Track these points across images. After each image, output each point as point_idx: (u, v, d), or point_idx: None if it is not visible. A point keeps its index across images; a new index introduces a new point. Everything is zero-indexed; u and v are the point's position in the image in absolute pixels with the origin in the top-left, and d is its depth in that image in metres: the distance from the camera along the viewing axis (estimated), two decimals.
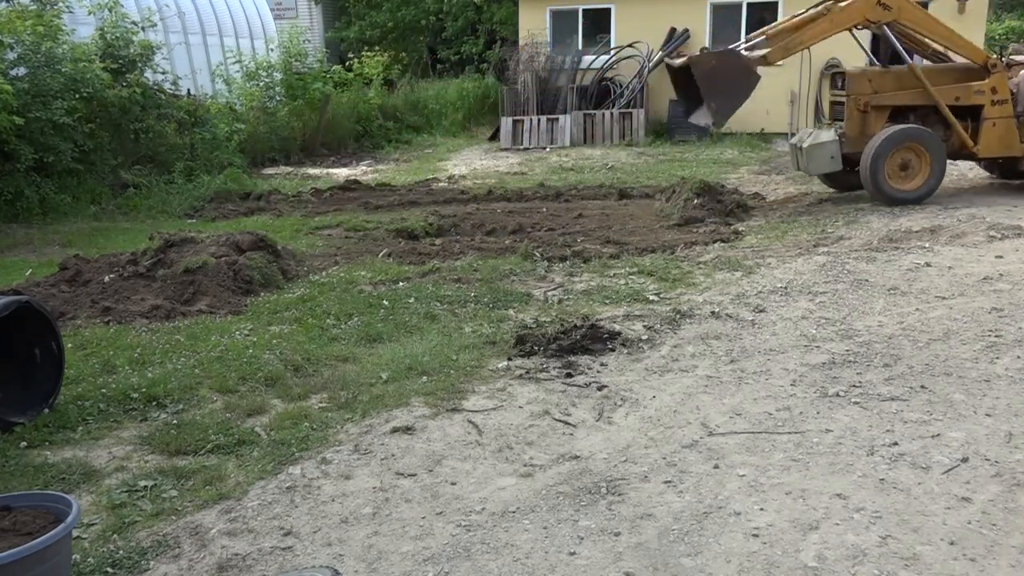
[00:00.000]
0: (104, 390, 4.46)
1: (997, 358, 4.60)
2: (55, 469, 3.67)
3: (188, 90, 13.10)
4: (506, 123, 16.04)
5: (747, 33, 16.05)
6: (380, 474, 3.58)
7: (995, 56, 9.09)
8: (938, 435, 3.74)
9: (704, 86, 8.58)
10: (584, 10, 16.82)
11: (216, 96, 14.76)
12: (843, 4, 8.73)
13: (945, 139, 8.95)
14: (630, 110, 15.66)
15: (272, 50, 16.25)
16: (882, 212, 8.51)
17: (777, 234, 7.87)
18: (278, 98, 15.45)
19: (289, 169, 13.89)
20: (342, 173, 13.52)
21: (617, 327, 5.25)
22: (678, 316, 5.49)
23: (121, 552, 3.05)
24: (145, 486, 3.52)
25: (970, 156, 9.25)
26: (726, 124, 8.53)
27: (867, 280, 6.14)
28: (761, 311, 5.57)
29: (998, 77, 8.83)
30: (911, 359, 4.63)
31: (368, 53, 18.06)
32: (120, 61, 11.44)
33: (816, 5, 9.06)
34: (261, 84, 15.30)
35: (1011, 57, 9.43)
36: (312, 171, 13.80)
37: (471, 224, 8.79)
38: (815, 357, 4.73)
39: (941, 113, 8.89)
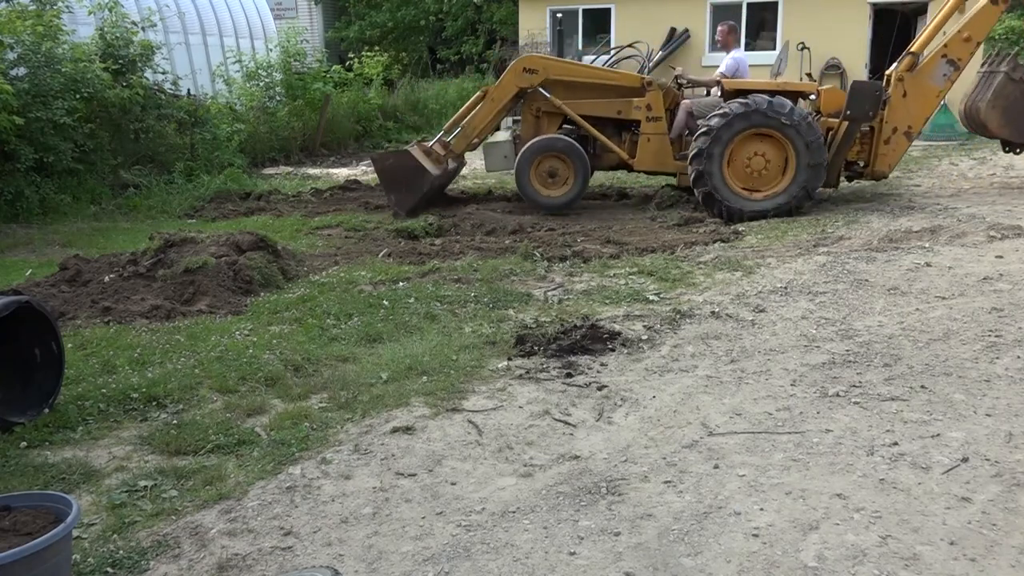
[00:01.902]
0: (104, 390, 4.46)
1: (997, 358, 4.60)
2: (55, 469, 3.66)
3: (188, 90, 13.10)
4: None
5: (747, 34, 16.12)
6: (380, 474, 3.58)
7: (649, 77, 9.69)
8: (938, 435, 3.74)
9: (384, 181, 9.50)
10: (584, 10, 16.82)
11: (216, 96, 14.75)
12: (495, 85, 9.59)
13: (610, 151, 9.49)
14: None
15: (272, 50, 16.25)
16: (882, 212, 8.51)
17: (777, 234, 7.87)
18: (278, 98, 15.46)
19: (289, 169, 13.89)
20: (342, 173, 13.52)
21: (617, 327, 5.25)
22: (678, 316, 5.49)
23: (121, 552, 3.05)
24: (145, 486, 3.51)
25: (627, 167, 9.71)
26: (405, 214, 9.24)
27: (867, 280, 6.14)
28: (761, 311, 5.57)
29: (653, 95, 9.28)
30: (911, 359, 4.63)
31: (368, 53, 18.07)
32: (120, 61, 11.44)
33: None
34: (261, 84, 15.31)
35: (688, 78, 9.93)
36: (312, 171, 13.80)
37: (471, 224, 8.79)
38: (815, 357, 4.73)
39: (610, 125, 9.51)
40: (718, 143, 8.45)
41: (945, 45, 8.75)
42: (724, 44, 9.85)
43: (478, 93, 9.72)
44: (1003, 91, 8.98)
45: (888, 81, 8.96)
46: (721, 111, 8.49)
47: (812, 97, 9.23)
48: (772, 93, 8.65)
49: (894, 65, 9.06)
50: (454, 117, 10.00)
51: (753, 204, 8.57)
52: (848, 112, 8.55)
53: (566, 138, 9.35)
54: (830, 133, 8.91)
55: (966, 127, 10.04)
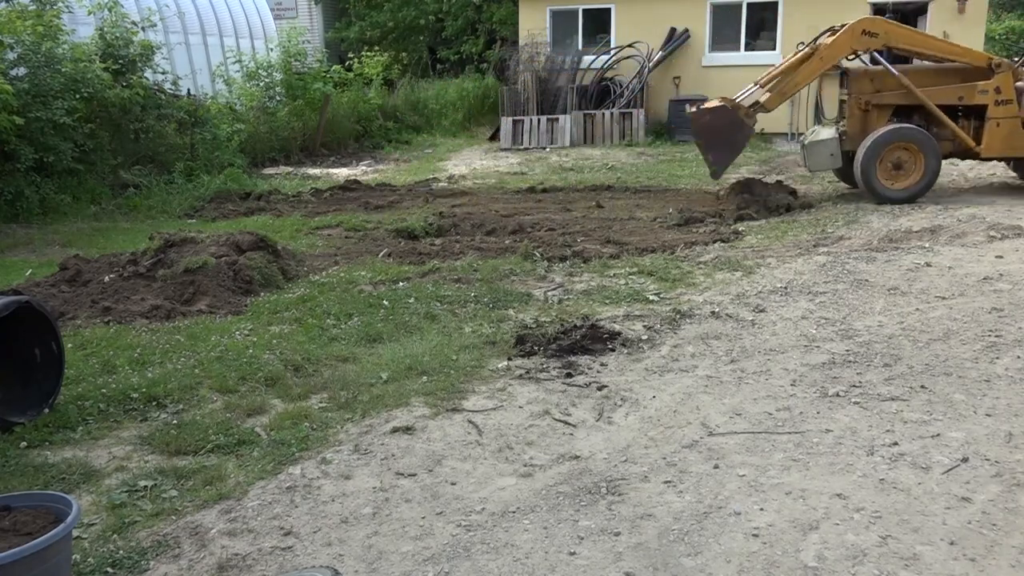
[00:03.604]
0: (104, 390, 4.46)
1: (997, 358, 4.60)
2: (55, 469, 3.66)
3: (188, 90, 13.09)
4: (506, 123, 16.04)
5: (747, 34, 16.11)
6: (380, 474, 3.58)
7: (998, 58, 9.11)
8: (938, 435, 3.74)
9: (701, 140, 9.09)
10: (584, 10, 16.82)
11: (216, 96, 14.75)
12: (830, 41, 8.87)
13: (951, 138, 8.98)
14: (630, 110, 15.66)
15: (272, 50, 16.25)
16: (882, 212, 8.51)
17: (777, 234, 7.87)
18: (278, 98, 15.46)
19: (289, 169, 13.89)
20: (342, 173, 13.52)
21: (617, 327, 5.25)
22: (678, 316, 5.49)
23: (121, 552, 3.05)
24: (145, 486, 3.51)
25: (975, 156, 9.25)
26: (721, 173, 8.93)
27: (867, 280, 6.14)
28: (761, 311, 5.57)
29: (1002, 77, 8.83)
30: (911, 359, 4.62)
31: (368, 53, 18.07)
32: (120, 61, 11.44)
33: (804, 45, 9.20)
34: (261, 84, 15.31)
35: None
36: (312, 171, 13.80)
37: (471, 224, 8.79)
38: (815, 357, 4.73)
39: (946, 111, 8.90)
40: None
41: None
42: None
43: (804, 50, 9.04)
44: None
45: None
46: None
47: None
48: None
49: None
50: (773, 71, 9.32)
51: None
52: None
53: (916, 127, 8.85)
54: None
55: None
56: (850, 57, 9.05)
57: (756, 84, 9.39)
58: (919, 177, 8.78)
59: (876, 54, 9.22)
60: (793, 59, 9.19)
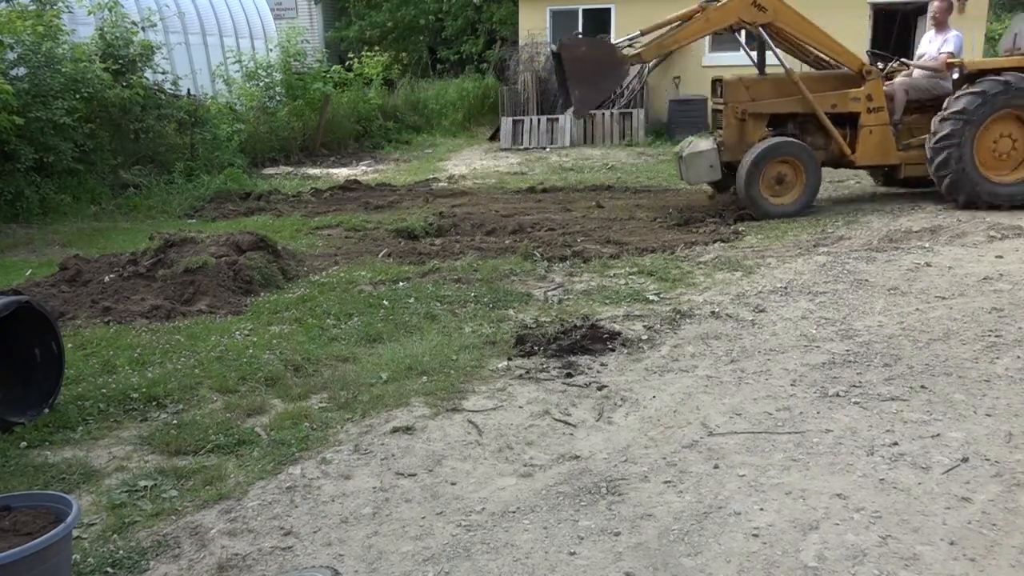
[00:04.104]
0: (104, 390, 4.46)
1: (997, 358, 4.60)
2: (55, 469, 3.67)
3: (188, 90, 13.10)
4: (506, 123, 16.05)
5: (747, 35, 16.10)
6: (380, 474, 3.58)
7: (869, 65, 8.89)
8: (938, 435, 3.74)
9: (571, 73, 8.40)
10: (584, 10, 16.83)
11: (216, 96, 14.76)
12: (719, 4, 8.59)
13: (824, 147, 8.84)
14: (630, 110, 15.67)
15: (272, 50, 16.26)
16: (882, 212, 8.51)
17: (777, 234, 7.87)
18: (278, 98, 15.47)
19: (289, 169, 13.90)
20: (342, 173, 13.52)
21: (617, 327, 5.25)
22: (678, 316, 5.49)
23: (121, 552, 3.05)
24: (145, 486, 3.52)
25: (849, 164, 9.08)
26: (584, 115, 8.32)
27: (867, 280, 6.14)
28: (761, 311, 5.57)
29: (873, 84, 8.68)
30: (911, 359, 4.62)
31: (368, 53, 18.07)
32: (120, 61, 11.45)
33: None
34: (261, 84, 15.32)
35: (891, 65, 9.33)
36: (312, 171, 13.81)
37: (471, 224, 8.79)
38: (815, 357, 4.73)
39: (820, 121, 8.75)
40: (971, 125, 8.04)
41: None
42: (941, 23, 8.89)
43: (694, 7, 8.70)
44: None
45: None
46: (974, 90, 8.09)
47: None
48: (1018, 70, 8.22)
49: None
50: (657, 22, 8.93)
51: (1003, 189, 8.24)
52: None
53: (796, 141, 8.63)
54: None
55: None
56: (734, 27, 8.76)
57: (640, 32, 8.99)
58: (801, 191, 8.58)
59: (773, 51, 8.91)
60: (679, 13, 8.87)
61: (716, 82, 9.04)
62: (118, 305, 5.86)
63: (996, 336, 4.92)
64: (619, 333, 5.14)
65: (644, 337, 5.14)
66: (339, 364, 4.86)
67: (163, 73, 12.50)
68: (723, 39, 15.91)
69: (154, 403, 4.34)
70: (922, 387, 4.25)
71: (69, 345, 4.93)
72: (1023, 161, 8.36)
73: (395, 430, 3.98)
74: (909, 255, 6.77)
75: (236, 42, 16.81)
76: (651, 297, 5.98)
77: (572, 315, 5.55)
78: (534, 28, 16.93)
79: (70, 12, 11.66)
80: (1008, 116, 8.27)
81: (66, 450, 3.88)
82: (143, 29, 12.54)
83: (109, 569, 2.96)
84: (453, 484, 3.48)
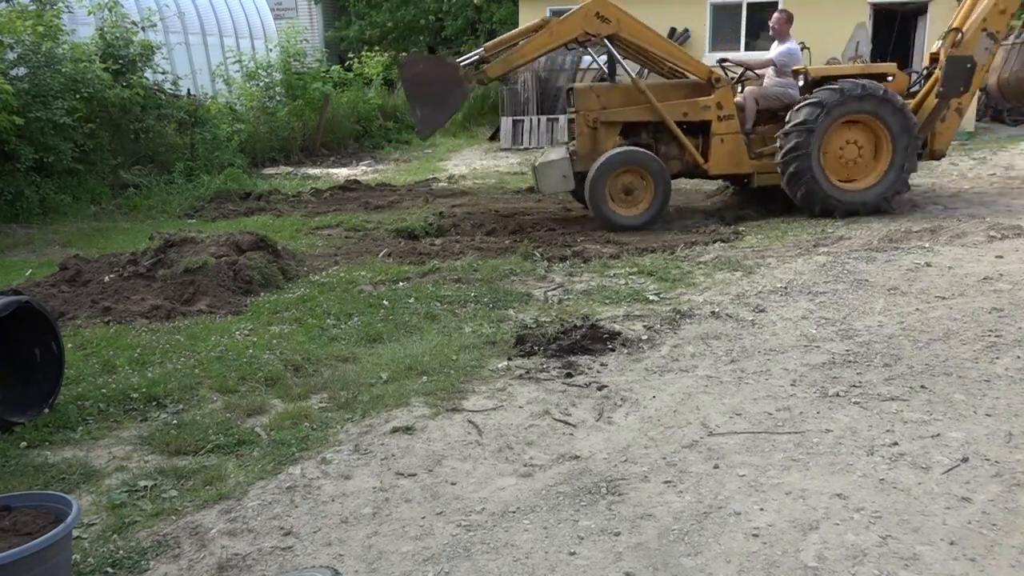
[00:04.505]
0: (104, 390, 4.46)
1: (997, 358, 4.60)
2: (55, 469, 3.66)
3: (188, 90, 13.10)
4: (506, 123, 16.04)
5: (747, 34, 16.11)
6: (380, 474, 3.58)
7: (717, 72, 8.82)
8: (938, 435, 3.74)
9: (410, 91, 8.26)
10: None
11: (216, 96, 14.77)
12: (563, 17, 8.49)
13: (679, 156, 8.72)
14: None
15: (272, 50, 16.26)
16: (882, 212, 8.51)
17: (777, 234, 7.87)
18: (278, 98, 15.47)
19: (289, 169, 13.90)
20: (342, 173, 13.52)
21: (617, 327, 5.25)
22: (678, 316, 5.49)
23: (121, 552, 3.05)
24: (145, 486, 3.51)
25: (703, 174, 8.98)
26: (431, 136, 8.12)
27: (867, 280, 6.14)
28: (761, 311, 5.57)
29: (722, 92, 8.59)
30: (911, 359, 4.62)
31: (368, 53, 18.07)
32: (120, 61, 11.45)
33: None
34: (261, 84, 15.32)
35: (738, 62, 9.28)
36: (312, 171, 13.81)
37: (471, 224, 8.79)
38: (815, 357, 4.73)
39: (671, 130, 8.66)
40: (815, 134, 8.04)
41: (984, 19, 8.53)
42: (780, 33, 8.98)
43: (538, 21, 8.61)
44: None
45: (933, 60, 8.80)
46: (813, 99, 8.10)
47: (890, 78, 8.71)
48: (857, 77, 8.30)
49: (937, 42, 8.88)
50: (501, 38, 8.78)
51: (853, 196, 8.24)
52: (943, 89, 8.32)
53: (647, 152, 8.48)
54: None
55: (1003, 99, 9.87)
56: (579, 40, 8.55)
57: (484, 48, 8.81)
58: (650, 203, 8.35)
59: (622, 67, 8.88)
60: (524, 27, 8.76)
61: (569, 91, 8.86)
62: (118, 305, 5.86)
63: (996, 336, 4.92)
64: (619, 333, 5.14)
65: (644, 337, 5.14)
66: (339, 364, 4.86)
67: (163, 73, 12.50)
68: (722, 37, 15.94)
69: (154, 403, 4.34)
70: (922, 387, 4.25)
71: (69, 345, 4.93)
72: (871, 168, 8.33)
73: (395, 430, 3.98)
74: (909, 255, 6.77)
75: (236, 42, 16.82)
76: (651, 297, 5.98)
77: (572, 315, 5.55)
78: None
79: (70, 12, 11.66)
80: (852, 123, 8.22)
81: (66, 450, 3.88)
82: (143, 29, 12.54)
83: (109, 569, 2.96)
84: (453, 484, 3.48)
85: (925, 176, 10.75)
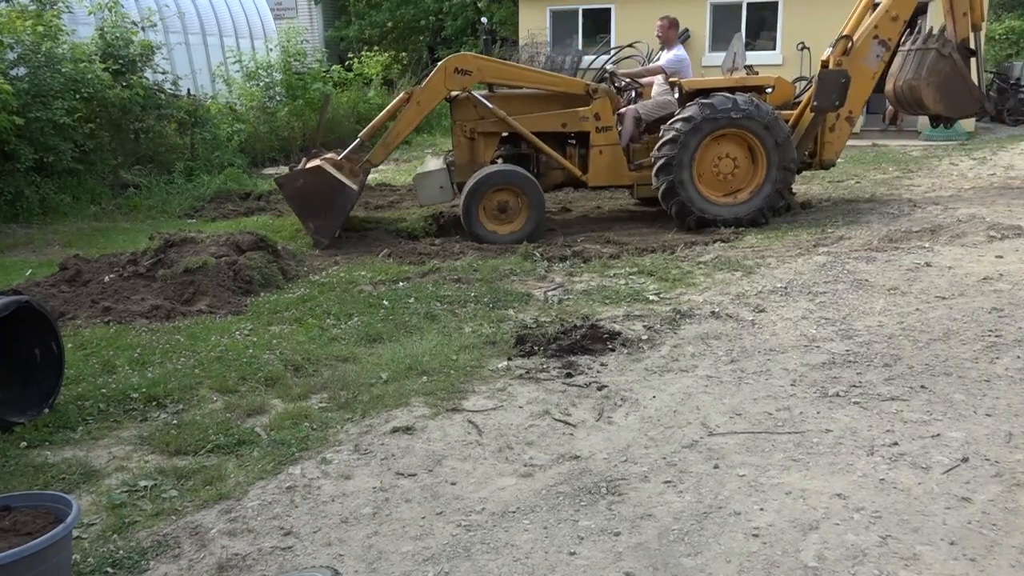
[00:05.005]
0: (104, 390, 4.46)
1: (997, 358, 4.60)
2: (55, 469, 3.67)
3: (188, 90, 13.10)
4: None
5: (747, 34, 16.10)
6: (380, 474, 3.58)
7: (594, 84, 8.71)
8: (938, 435, 3.74)
9: (297, 209, 8.09)
10: (584, 10, 16.84)
11: (216, 96, 14.76)
12: (422, 85, 8.34)
13: (560, 167, 8.58)
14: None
15: (272, 50, 16.26)
16: (882, 212, 8.51)
17: (777, 234, 7.87)
18: (278, 98, 15.46)
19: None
20: None
21: (617, 327, 5.25)
22: (678, 316, 5.49)
23: (121, 552, 3.05)
24: (145, 486, 3.52)
25: (583, 184, 8.77)
26: (328, 242, 7.87)
27: (867, 280, 6.14)
28: (761, 311, 5.57)
29: (600, 103, 8.45)
30: (911, 359, 4.62)
31: (368, 53, 18.07)
32: (120, 61, 11.45)
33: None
34: (261, 84, 15.31)
35: (625, 73, 9.23)
36: None
37: None
38: (815, 357, 4.73)
39: (550, 140, 8.47)
40: (686, 149, 7.92)
41: (876, 26, 8.47)
42: (666, 40, 8.87)
43: (401, 95, 8.51)
44: (935, 67, 8.81)
45: (824, 67, 8.64)
46: (684, 115, 7.97)
47: (769, 90, 8.64)
48: (732, 90, 8.16)
49: (827, 50, 8.74)
50: (372, 123, 8.69)
51: (728, 210, 8.14)
52: (816, 103, 8.29)
53: (520, 169, 8.27)
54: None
55: (896, 106, 9.79)
56: (448, 99, 8.46)
57: (360, 139, 8.74)
58: (524, 220, 8.09)
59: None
60: (389, 109, 8.70)
61: (450, 100, 8.66)
62: (118, 305, 5.86)
63: (996, 336, 4.92)
64: (619, 333, 5.14)
65: (644, 337, 5.14)
66: (339, 364, 4.86)
67: (163, 73, 12.49)
68: (722, 37, 15.94)
69: (154, 403, 4.34)
70: (922, 387, 4.25)
71: (69, 345, 4.93)
72: (747, 181, 8.22)
73: (395, 430, 3.98)
74: (909, 255, 6.77)
75: (236, 42, 16.81)
76: (651, 297, 5.98)
77: (572, 315, 5.55)
78: (534, 28, 16.93)
79: (70, 12, 11.66)
80: (727, 137, 8.10)
81: (66, 450, 3.88)
82: (143, 29, 12.54)
83: (109, 569, 2.96)
84: (453, 484, 3.48)
85: (925, 176, 10.75)
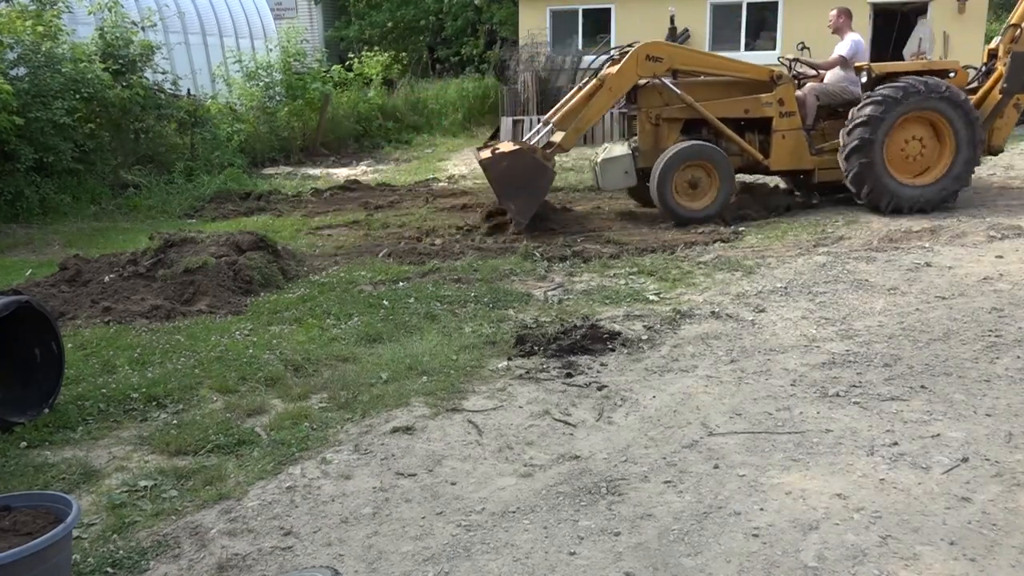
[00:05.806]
0: (104, 390, 4.46)
1: (997, 358, 4.60)
2: (55, 469, 3.67)
3: (188, 90, 13.10)
4: (506, 123, 16.04)
5: (747, 34, 16.12)
6: (380, 474, 3.58)
7: (778, 70, 8.83)
8: (938, 435, 3.74)
9: (499, 188, 8.29)
10: (584, 10, 16.84)
11: (216, 96, 14.77)
12: (614, 70, 8.45)
13: (739, 152, 8.72)
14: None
15: (272, 50, 16.27)
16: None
17: (777, 234, 7.87)
18: (278, 98, 15.47)
19: (289, 169, 13.90)
20: (342, 173, 13.52)
21: (617, 327, 5.25)
22: (678, 316, 5.49)
23: (121, 552, 3.05)
24: (145, 486, 3.51)
25: (764, 170, 9.00)
26: (527, 223, 8.07)
27: (867, 280, 6.14)
28: (761, 311, 5.57)
29: (784, 88, 8.62)
30: (911, 359, 4.62)
31: (368, 53, 18.07)
32: (120, 61, 11.45)
33: (589, 80, 8.76)
34: (261, 84, 15.32)
35: (805, 61, 9.22)
36: (312, 171, 13.80)
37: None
38: (815, 357, 4.73)
39: (732, 125, 8.64)
40: (878, 132, 8.07)
41: None
42: (837, 28, 8.95)
43: (593, 83, 8.60)
44: None
45: (992, 56, 8.82)
46: (876, 97, 8.13)
47: (952, 75, 8.67)
48: (919, 73, 8.36)
49: (996, 39, 8.90)
50: (564, 109, 8.75)
51: (919, 192, 8.25)
52: (1006, 85, 8.41)
53: (711, 144, 8.51)
54: None
55: None
56: (640, 83, 8.60)
57: (545, 123, 8.89)
58: (715, 195, 8.41)
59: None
60: (582, 93, 8.69)
61: (630, 89, 8.77)
62: (118, 305, 5.86)
63: (996, 336, 4.92)
64: (619, 333, 5.14)
65: (644, 337, 5.14)
66: (339, 364, 4.86)
67: (163, 73, 12.50)
68: (722, 37, 15.96)
69: (154, 403, 4.34)
70: (922, 387, 4.25)
71: (69, 345, 4.93)
72: (934, 163, 8.35)
73: (395, 430, 3.98)
74: (909, 255, 6.77)
75: (236, 42, 16.82)
76: (651, 297, 5.98)
77: (572, 315, 5.55)
78: (534, 28, 16.94)
79: (70, 12, 11.67)
80: (915, 119, 8.26)
81: (66, 450, 3.88)
82: (143, 29, 12.55)
83: (109, 569, 2.96)
84: (453, 484, 3.48)
85: None
